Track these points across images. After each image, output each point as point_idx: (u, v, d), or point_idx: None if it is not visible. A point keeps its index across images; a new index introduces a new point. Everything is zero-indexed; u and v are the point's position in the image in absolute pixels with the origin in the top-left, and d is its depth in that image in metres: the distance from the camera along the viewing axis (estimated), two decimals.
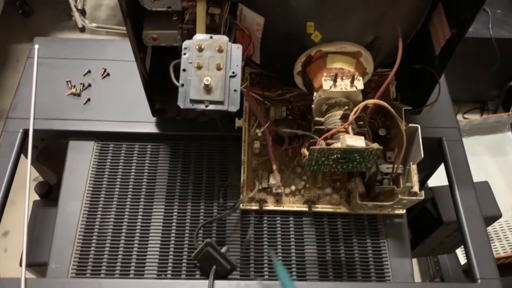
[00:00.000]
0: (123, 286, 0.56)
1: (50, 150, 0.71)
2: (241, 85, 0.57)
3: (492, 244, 1.16)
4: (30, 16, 1.70)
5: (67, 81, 0.72)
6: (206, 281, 0.56)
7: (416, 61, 0.65)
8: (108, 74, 0.73)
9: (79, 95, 0.71)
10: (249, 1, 0.54)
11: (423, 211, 0.81)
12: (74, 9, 1.57)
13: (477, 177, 1.14)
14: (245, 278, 0.58)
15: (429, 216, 0.80)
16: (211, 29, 0.58)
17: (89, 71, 0.73)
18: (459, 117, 1.52)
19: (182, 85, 0.46)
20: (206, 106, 0.46)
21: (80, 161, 0.66)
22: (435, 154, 0.71)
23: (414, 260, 1.26)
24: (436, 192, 0.79)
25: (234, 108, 0.46)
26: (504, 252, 1.12)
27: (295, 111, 0.67)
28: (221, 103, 0.46)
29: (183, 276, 0.59)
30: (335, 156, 0.50)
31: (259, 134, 0.63)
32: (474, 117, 1.35)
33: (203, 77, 0.46)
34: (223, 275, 0.57)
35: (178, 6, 0.53)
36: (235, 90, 0.47)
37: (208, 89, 0.46)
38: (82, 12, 1.62)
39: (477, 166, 1.26)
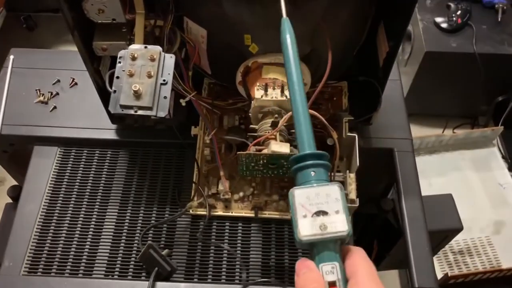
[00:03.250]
0: (69, 285, 0.59)
1: (19, 155, 0.75)
2: (189, 93, 0.60)
3: (471, 259, 1.15)
4: (34, 30, 1.77)
5: (36, 90, 0.75)
6: (147, 282, 0.58)
7: (365, 74, 0.67)
8: (76, 84, 0.77)
9: (46, 103, 0.74)
10: (192, 14, 0.57)
11: (385, 223, 0.82)
12: None
13: (459, 192, 1.15)
14: (188, 281, 0.60)
15: (391, 228, 0.81)
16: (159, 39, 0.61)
17: (58, 80, 0.77)
18: (448, 132, 1.51)
19: (115, 91, 0.49)
20: (135, 112, 0.48)
21: (43, 166, 0.69)
22: (390, 165, 0.72)
23: (395, 273, 1.25)
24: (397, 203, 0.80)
25: (162, 113, 0.49)
26: (483, 268, 1.11)
27: (249, 120, 0.69)
28: (150, 108, 0.48)
29: (129, 277, 0.61)
30: (262, 161, 0.51)
31: (208, 142, 0.65)
32: (461, 132, 1.35)
33: (132, 84, 0.48)
34: (165, 277, 0.59)
35: (122, 18, 0.56)
36: (165, 97, 0.49)
37: (137, 95, 0.48)
38: None
39: (461, 181, 1.25)
